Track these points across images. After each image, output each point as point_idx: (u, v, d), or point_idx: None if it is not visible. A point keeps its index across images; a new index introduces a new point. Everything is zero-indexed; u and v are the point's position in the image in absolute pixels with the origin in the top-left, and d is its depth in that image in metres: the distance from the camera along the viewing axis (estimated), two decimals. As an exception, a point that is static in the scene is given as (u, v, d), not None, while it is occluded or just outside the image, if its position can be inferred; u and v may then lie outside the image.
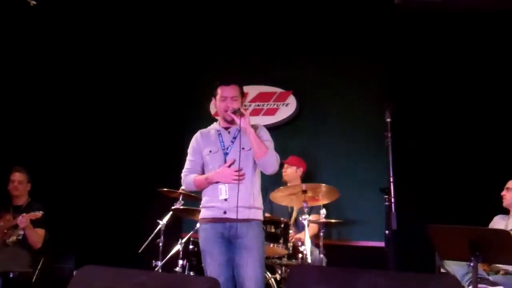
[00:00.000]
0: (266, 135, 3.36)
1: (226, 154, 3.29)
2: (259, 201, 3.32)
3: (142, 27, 5.77)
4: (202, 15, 5.60)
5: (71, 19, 5.51)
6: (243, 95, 3.42)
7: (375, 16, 5.22)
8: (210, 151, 3.32)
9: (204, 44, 5.96)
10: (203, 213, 3.32)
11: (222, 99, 3.32)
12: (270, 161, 3.22)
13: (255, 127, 3.32)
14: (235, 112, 3.23)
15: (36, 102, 5.67)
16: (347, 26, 5.41)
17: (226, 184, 3.21)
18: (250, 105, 5.73)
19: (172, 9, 5.53)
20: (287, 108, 5.67)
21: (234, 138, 3.32)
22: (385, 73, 5.33)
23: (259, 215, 3.30)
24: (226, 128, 3.38)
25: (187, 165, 3.42)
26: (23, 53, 5.52)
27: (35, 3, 4.87)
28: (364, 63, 5.52)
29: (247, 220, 3.20)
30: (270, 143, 3.32)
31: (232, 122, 3.32)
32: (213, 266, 3.19)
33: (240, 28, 5.69)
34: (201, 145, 3.38)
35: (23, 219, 4.36)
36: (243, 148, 3.25)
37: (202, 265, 3.33)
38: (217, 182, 3.25)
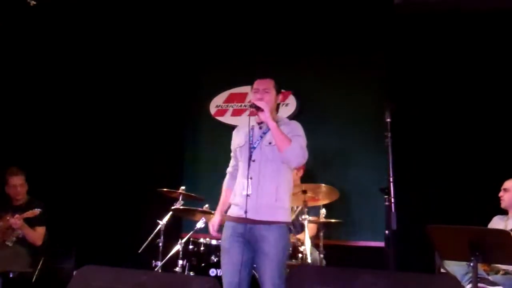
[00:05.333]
0: (294, 130, 3.25)
1: (253, 148, 3.23)
2: (284, 201, 3.20)
3: (143, 27, 5.77)
4: (202, 15, 5.59)
5: (71, 19, 5.51)
6: (279, 92, 3.36)
7: (375, 16, 5.21)
8: (239, 145, 3.31)
9: (204, 44, 5.96)
10: (229, 210, 3.29)
11: (255, 91, 3.32)
12: (292, 154, 3.12)
13: (281, 122, 3.26)
14: (251, 106, 3.19)
15: (37, 102, 5.68)
16: (347, 26, 5.41)
17: (250, 179, 3.15)
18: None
19: (173, 9, 5.53)
20: (287, 108, 5.66)
21: (264, 133, 3.25)
22: (384, 73, 5.32)
23: (282, 216, 3.17)
24: (260, 123, 3.31)
25: (231, 161, 3.47)
26: (23, 53, 5.52)
27: (35, 3, 4.88)
28: (364, 63, 5.52)
29: (268, 223, 3.11)
30: (298, 137, 3.21)
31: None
32: (228, 265, 3.14)
33: (240, 28, 5.68)
34: (233, 139, 3.41)
35: (16, 220, 4.31)
36: (269, 143, 3.20)
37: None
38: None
